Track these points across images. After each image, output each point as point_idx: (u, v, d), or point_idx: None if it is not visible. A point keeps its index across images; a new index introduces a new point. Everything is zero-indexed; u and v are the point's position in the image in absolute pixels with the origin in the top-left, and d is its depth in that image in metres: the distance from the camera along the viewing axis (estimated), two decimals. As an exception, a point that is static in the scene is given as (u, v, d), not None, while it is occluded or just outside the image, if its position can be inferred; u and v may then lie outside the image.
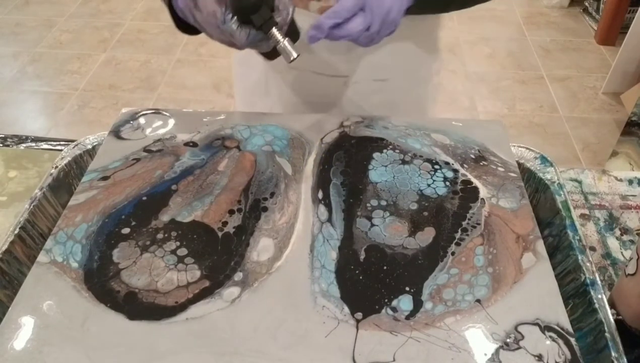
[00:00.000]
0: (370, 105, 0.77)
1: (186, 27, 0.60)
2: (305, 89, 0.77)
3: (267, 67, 0.78)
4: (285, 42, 0.55)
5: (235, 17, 0.53)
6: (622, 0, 2.43)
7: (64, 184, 0.63)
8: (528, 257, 0.52)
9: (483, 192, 0.58)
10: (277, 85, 0.78)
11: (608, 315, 0.49)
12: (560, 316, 0.47)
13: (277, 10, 0.54)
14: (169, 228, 0.54)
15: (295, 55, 0.55)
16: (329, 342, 0.45)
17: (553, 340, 0.45)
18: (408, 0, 0.59)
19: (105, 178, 0.59)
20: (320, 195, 0.58)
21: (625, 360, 0.46)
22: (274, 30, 0.54)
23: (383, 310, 0.47)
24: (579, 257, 0.54)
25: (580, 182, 0.76)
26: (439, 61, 0.82)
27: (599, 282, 0.52)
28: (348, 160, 0.62)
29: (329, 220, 0.55)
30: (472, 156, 0.63)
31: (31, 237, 0.57)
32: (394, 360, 0.44)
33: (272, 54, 0.60)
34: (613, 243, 0.68)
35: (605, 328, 0.48)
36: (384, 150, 0.63)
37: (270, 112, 0.77)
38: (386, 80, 0.76)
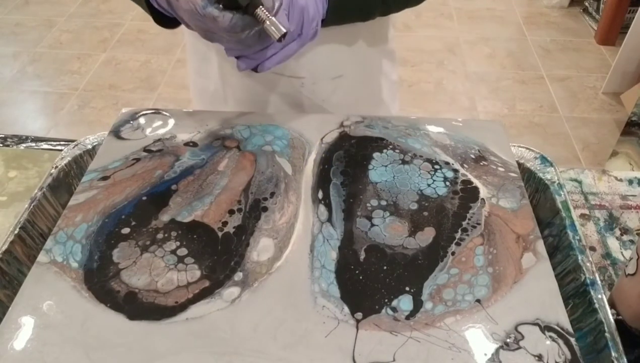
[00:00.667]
0: (329, 104, 0.77)
1: (163, 19, 0.59)
2: (264, 92, 0.76)
3: (223, 74, 0.77)
4: (272, 19, 0.52)
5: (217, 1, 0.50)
6: (622, 0, 2.43)
7: (64, 184, 0.63)
8: (528, 257, 0.52)
9: (483, 192, 0.58)
10: (234, 92, 0.78)
11: (608, 315, 0.49)
12: (560, 316, 0.47)
13: None
14: (169, 228, 0.54)
15: (284, 30, 0.52)
16: (329, 342, 0.45)
17: (553, 340, 0.45)
18: (323, 7, 0.59)
19: (105, 178, 0.59)
20: (320, 195, 0.58)
21: (625, 360, 0.46)
22: (259, 9, 0.51)
23: (383, 310, 0.47)
24: (579, 257, 0.54)
25: (580, 182, 0.76)
26: (392, 59, 0.82)
27: (599, 282, 0.52)
28: (348, 160, 0.62)
29: (329, 220, 0.55)
30: (472, 156, 0.63)
31: (31, 237, 0.57)
32: (394, 360, 0.44)
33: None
34: (613, 243, 0.68)
35: (605, 328, 0.48)
36: (384, 150, 0.63)
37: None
38: (341, 76, 0.75)
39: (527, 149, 0.67)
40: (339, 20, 0.65)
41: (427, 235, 0.53)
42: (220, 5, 0.51)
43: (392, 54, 0.82)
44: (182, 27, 0.63)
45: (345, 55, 0.74)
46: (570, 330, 0.46)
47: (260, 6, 0.51)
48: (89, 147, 0.67)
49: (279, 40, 0.53)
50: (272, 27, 0.52)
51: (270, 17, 0.52)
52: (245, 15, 0.52)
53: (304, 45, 0.59)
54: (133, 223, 0.54)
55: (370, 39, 0.76)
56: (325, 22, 0.62)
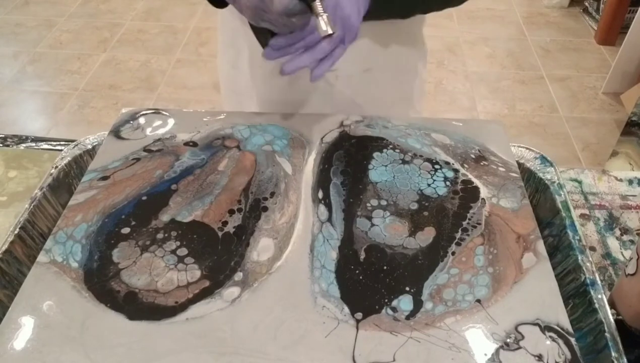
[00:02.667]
0: (360, 98, 0.77)
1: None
2: (296, 87, 0.77)
3: (254, 68, 0.77)
4: (326, 16, 0.53)
5: None
6: (622, 0, 2.43)
7: (64, 184, 0.63)
8: (529, 257, 0.51)
9: (484, 192, 0.58)
10: (266, 86, 0.78)
11: (608, 315, 0.49)
12: (560, 316, 0.47)
13: None
14: (169, 228, 0.54)
15: (331, 31, 0.53)
16: (329, 342, 0.45)
17: (553, 340, 0.45)
18: (364, 6, 0.59)
19: (105, 178, 0.59)
20: (320, 194, 0.58)
21: (625, 360, 0.46)
22: (317, 2, 0.52)
23: (383, 310, 0.47)
24: (579, 257, 0.54)
25: (580, 182, 0.76)
26: (423, 56, 0.83)
27: (599, 282, 0.52)
28: (348, 160, 0.62)
29: (329, 220, 0.55)
30: (473, 156, 0.63)
31: (31, 237, 0.57)
32: (394, 360, 0.44)
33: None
34: (613, 243, 0.68)
35: (605, 328, 0.48)
36: (384, 150, 0.63)
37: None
38: (371, 69, 0.76)
39: (527, 148, 0.67)
40: (379, 16, 0.65)
41: (427, 235, 0.53)
42: None
43: (424, 51, 0.83)
44: (218, 22, 0.63)
45: (379, 48, 0.74)
46: (570, 330, 0.46)
47: (320, 0, 0.52)
48: (89, 147, 0.67)
49: (324, 37, 0.54)
50: (323, 23, 0.53)
51: (325, 13, 0.53)
52: (302, 2, 0.52)
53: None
54: (133, 223, 0.54)
55: (405, 35, 0.76)
56: (366, 17, 0.61)
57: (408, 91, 0.83)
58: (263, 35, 0.59)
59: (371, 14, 0.61)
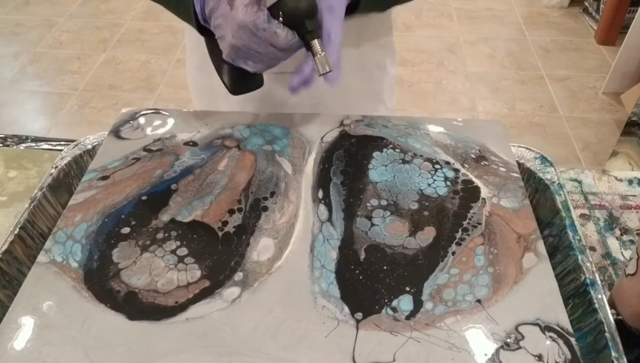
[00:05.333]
0: (326, 95, 0.77)
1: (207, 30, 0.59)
2: (265, 88, 0.77)
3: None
4: (324, 55, 0.54)
5: (282, 19, 0.53)
6: (622, 0, 2.43)
7: (64, 184, 0.63)
8: (529, 257, 0.51)
9: (484, 192, 0.58)
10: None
11: (608, 315, 0.49)
12: (560, 316, 0.47)
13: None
14: (169, 228, 0.54)
15: (328, 69, 0.55)
16: (329, 342, 0.45)
17: (553, 340, 0.45)
18: (345, 1, 0.59)
19: (104, 177, 0.59)
20: (320, 194, 0.58)
21: (625, 360, 0.46)
22: (316, 41, 0.54)
23: (383, 310, 0.47)
24: (579, 257, 0.54)
25: (580, 182, 0.76)
26: (391, 51, 0.83)
27: (599, 282, 0.52)
28: (348, 160, 0.62)
29: (329, 219, 0.55)
30: (473, 156, 0.63)
31: (31, 237, 0.57)
32: (394, 360, 0.44)
33: (240, 86, 0.61)
34: (613, 243, 0.68)
35: (605, 328, 0.48)
36: (384, 150, 0.63)
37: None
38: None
39: (527, 148, 0.67)
40: (364, 10, 0.64)
41: (427, 235, 0.53)
42: (281, 24, 0.53)
43: (391, 46, 0.82)
44: (182, 26, 0.63)
45: (345, 44, 0.74)
46: (570, 330, 0.46)
47: (319, 39, 0.54)
48: (89, 147, 0.67)
49: (320, 75, 0.55)
50: (321, 61, 0.55)
51: (323, 52, 0.54)
52: (301, 40, 0.55)
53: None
54: (133, 223, 0.54)
55: (371, 29, 0.76)
56: (350, 12, 0.61)
57: (376, 87, 0.83)
58: (228, 73, 0.61)
59: (356, 9, 0.61)
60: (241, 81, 0.61)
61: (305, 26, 0.53)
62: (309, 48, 0.55)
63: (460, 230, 0.54)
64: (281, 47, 0.54)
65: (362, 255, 0.51)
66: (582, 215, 0.71)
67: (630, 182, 0.76)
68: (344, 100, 0.78)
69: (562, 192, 0.61)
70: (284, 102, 0.77)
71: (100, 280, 0.49)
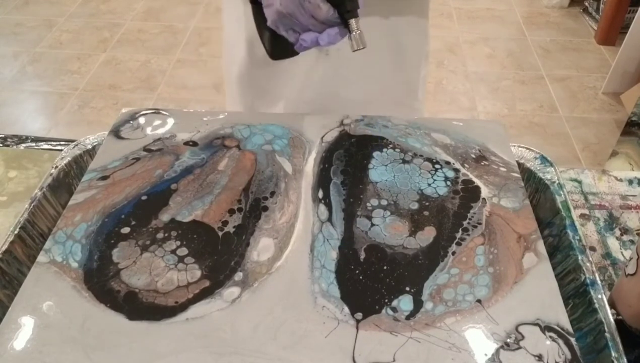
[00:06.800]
0: (354, 83, 0.78)
1: None
2: (289, 73, 0.78)
3: (272, 66, 0.78)
4: (360, 32, 0.57)
5: None
6: (622, 0, 2.43)
7: (64, 184, 0.63)
8: (529, 257, 0.51)
9: (484, 192, 0.58)
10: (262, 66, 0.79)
11: (608, 315, 0.49)
12: (560, 316, 0.47)
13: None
14: (169, 228, 0.54)
15: (362, 46, 0.57)
16: (329, 342, 0.45)
17: (553, 340, 0.45)
18: None
19: (104, 177, 0.59)
20: (320, 194, 0.58)
21: (625, 360, 0.46)
22: (355, 20, 0.56)
23: (383, 310, 0.47)
24: (579, 257, 0.54)
25: (580, 182, 0.76)
26: (427, 46, 0.84)
27: (599, 282, 0.52)
28: (348, 159, 0.62)
29: (329, 219, 0.55)
30: (473, 156, 0.63)
31: (31, 237, 0.57)
32: (394, 360, 0.44)
33: (280, 52, 0.64)
34: (613, 243, 0.68)
35: (605, 328, 0.48)
36: (384, 149, 0.63)
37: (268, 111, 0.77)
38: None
39: (527, 148, 0.67)
40: None
41: (427, 235, 0.53)
42: None
43: (428, 42, 0.84)
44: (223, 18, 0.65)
45: (377, 27, 0.75)
46: (570, 330, 0.46)
47: (357, 18, 0.57)
48: (89, 147, 0.67)
49: (354, 50, 0.58)
50: (356, 39, 0.57)
51: (359, 30, 0.57)
52: (340, 16, 0.57)
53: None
54: (133, 222, 0.54)
55: (405, 21, 0.77)
56: None
57: (414, 80, 0.83)
58: (269, 39, 0.64)
59: None
60: (280, 47, 0.64)
61: (345, 5, 0.56)
62: (346, 25, 0.57)
63: (460, 230, 0.54)
64: (321, 19, 0.57)
65: (362, 255, 0.51)
66: (582, 215, 0.71)
67: (630, 182, 0.76)
68: (377, 86, 0.79)
69: (562, 192, 0.61)
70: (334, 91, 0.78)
71: (100, 280, 0.49)
